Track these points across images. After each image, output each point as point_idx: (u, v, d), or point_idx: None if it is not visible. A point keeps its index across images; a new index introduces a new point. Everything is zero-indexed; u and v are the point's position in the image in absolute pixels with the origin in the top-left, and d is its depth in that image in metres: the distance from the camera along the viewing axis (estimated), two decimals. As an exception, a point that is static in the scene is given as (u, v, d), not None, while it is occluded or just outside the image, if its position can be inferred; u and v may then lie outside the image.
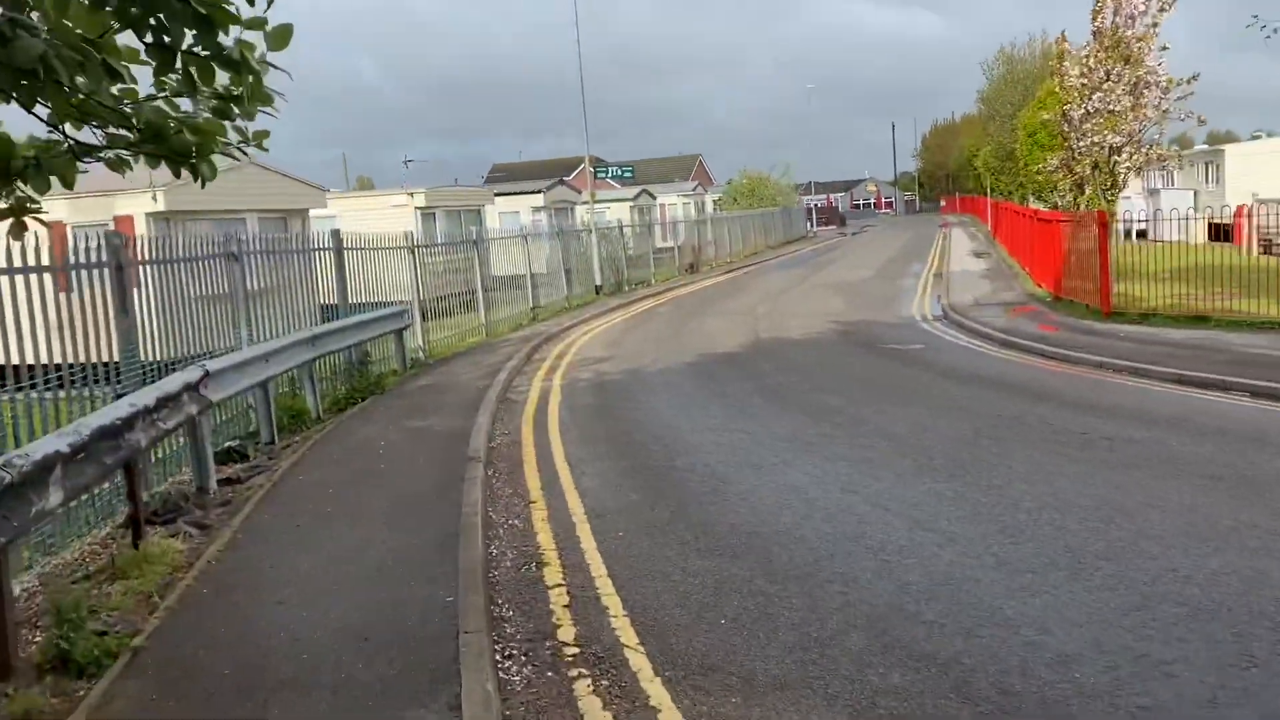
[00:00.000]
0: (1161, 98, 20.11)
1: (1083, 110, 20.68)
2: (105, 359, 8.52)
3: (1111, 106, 20.41)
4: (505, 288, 22.73)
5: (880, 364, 14.82)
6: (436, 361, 17.20)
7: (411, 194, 27.65)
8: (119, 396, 7.30)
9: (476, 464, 9.04)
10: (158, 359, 9.65)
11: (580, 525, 7.44)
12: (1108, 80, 20.48)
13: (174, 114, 3.90)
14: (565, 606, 5.87)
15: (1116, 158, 20.73)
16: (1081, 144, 20.81)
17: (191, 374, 8.40)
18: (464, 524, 7.14)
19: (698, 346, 17.58)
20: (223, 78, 3.75)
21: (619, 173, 70.11)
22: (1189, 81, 19.88)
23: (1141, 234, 27.85)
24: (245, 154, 4.24)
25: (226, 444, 10.58)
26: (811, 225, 70.84)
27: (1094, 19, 20.82)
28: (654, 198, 49.76)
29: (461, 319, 19.96)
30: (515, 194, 36.65)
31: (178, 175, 4.08)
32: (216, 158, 4.10)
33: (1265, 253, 27.42)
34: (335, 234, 14.87)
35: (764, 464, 8.94)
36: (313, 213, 23.25)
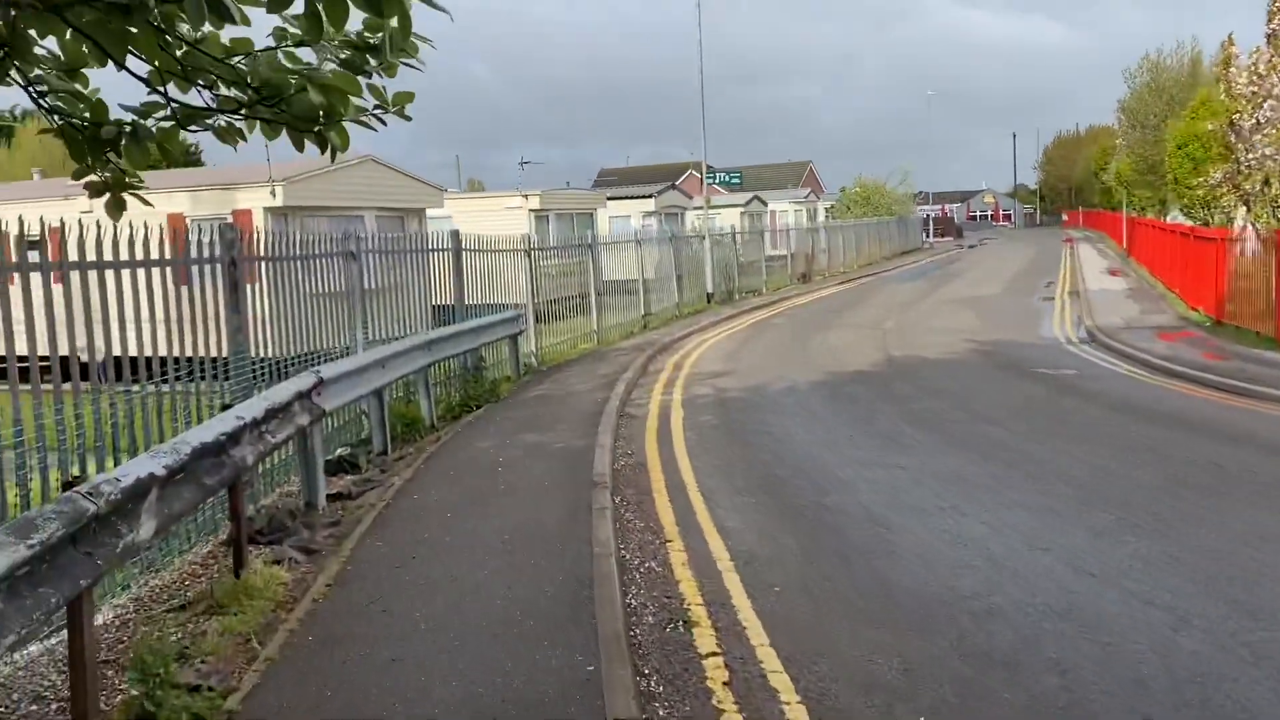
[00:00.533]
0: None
1: (1253, 120, 18.82)
2: (219, 355, 7.97)
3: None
4: (616, 293, 21.95)
5: (1035, 391, 13.47)
6: (549, 368, 16.47)
7: (526, 196, 27.16)
8: (226, 407, 6.64)
9: (603, 491, 8.16)
10: (273, 356, 9.10)
11: (727, 574, 6.47)
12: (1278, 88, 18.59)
13: (295, 68, 3.08)
14: (725, 684, 4.91)
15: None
16: (1251, 157, 18.94)
17: (304, 381, 7.74)
18: (597, 569, 6.25)
19: (824, 363, 16.44)
20: (356, 20, 2.91)
21: (727, 179, 69.03)
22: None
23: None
24: (383, 122, 3.40)
25: (338, 452, 9.99)
26: (928, 236, 68.50)
27: (1270, 20, 18.93)
28: (765, 204, 48.53)
29: (573, 323, 19.24)
30: (626, 198, 35.97)
31: (300, 148, 3.28)
32: (351, 128, 3.27)
33: None
34: (454, 234, 14.26)
35: (929, 508, 7.84)
36: (430, 213, 22.90)
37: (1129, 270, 34.80)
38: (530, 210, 26.87)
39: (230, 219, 17.88)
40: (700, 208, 43.76)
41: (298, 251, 10.10)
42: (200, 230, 8.15)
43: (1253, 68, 18.85)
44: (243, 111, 3.35)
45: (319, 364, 9.93)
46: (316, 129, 3.13)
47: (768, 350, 18.64)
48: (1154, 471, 8.80)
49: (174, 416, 7.03)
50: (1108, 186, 62.94)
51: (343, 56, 3.13)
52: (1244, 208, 19.81)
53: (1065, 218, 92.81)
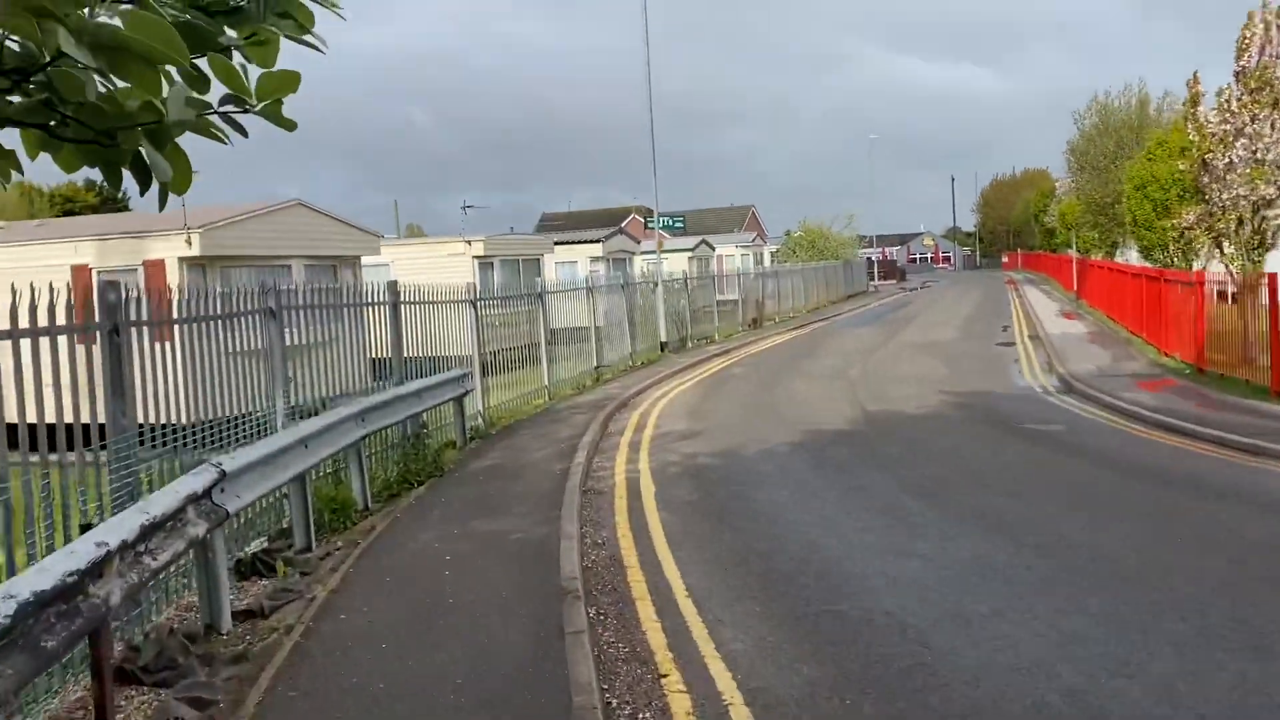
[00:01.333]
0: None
1: (1226, 160, 18.20)
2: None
3: (1260, 155, 17.91)
4: (566, 342, 20.54)
5: (1032, 452, 12.32)
6: (499, 431, 14.95)
7: (469, 242, 25.72)
8: (85, 528, 5.07)
9: (576, 604, 6.68)
10: (180, 422, 7.58)
11: (746, 728, 5.06)
12: (1253, 125, 18.00)
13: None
14: None
15: (1267, 212, 18.17)
16: (1225, 196, 18.29)
17: (199, 479, 6.18)
18: (582, 734, 4.78)
19: (797, 420, 15.18)
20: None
21: (670, 223, 68.16)
22: (1357, 128, 17.37)
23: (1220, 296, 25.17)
24: (241, 131, 2.00)
25: (250, 548, 8.39)
26: (873, 279, 68.34)
27: (1238, 58, 18.41)
28: (712, 248, 47.65)
29: (522, 376, 17.75)
30: (573, 243, 34.70)
31: (114, 181, 1.86)
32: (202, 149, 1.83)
33: None
34: (392, 285, 12.78)
35: (969, 614, 6.50)
36: (365, 260, 21.34)
37: (1083, 313, 34.35)
38: (474, 257, 25.42)
39: (142, 271, 16.18)
40: (649, 252, 42.79)
41: (205, 310, 8.61)
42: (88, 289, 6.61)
43: (1224, 105, 18.27)
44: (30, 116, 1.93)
45: (230, 437, 8.38)
46: (119, 143, 1.73)
47: (733, 405, 17.33)
48: (1209, 557, 7.59)
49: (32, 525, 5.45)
50: (1049, 228, 63.51)
51: (184, 18, 1.75)
52: (1218, 250, 19.14)
53: (1005, 259, 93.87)
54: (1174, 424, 13.57)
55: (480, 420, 15.42)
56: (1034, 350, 24.75)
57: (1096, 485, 10.24)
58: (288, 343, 10.32)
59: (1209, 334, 18.06)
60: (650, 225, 68.15)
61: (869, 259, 70.03)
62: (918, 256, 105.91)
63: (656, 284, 27.34)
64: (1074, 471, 11.04)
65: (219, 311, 8.95)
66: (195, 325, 8.57)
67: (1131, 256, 34.59)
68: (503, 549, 8.24)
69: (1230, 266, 18.78)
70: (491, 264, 26.10)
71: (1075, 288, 39.27)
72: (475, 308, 15.79)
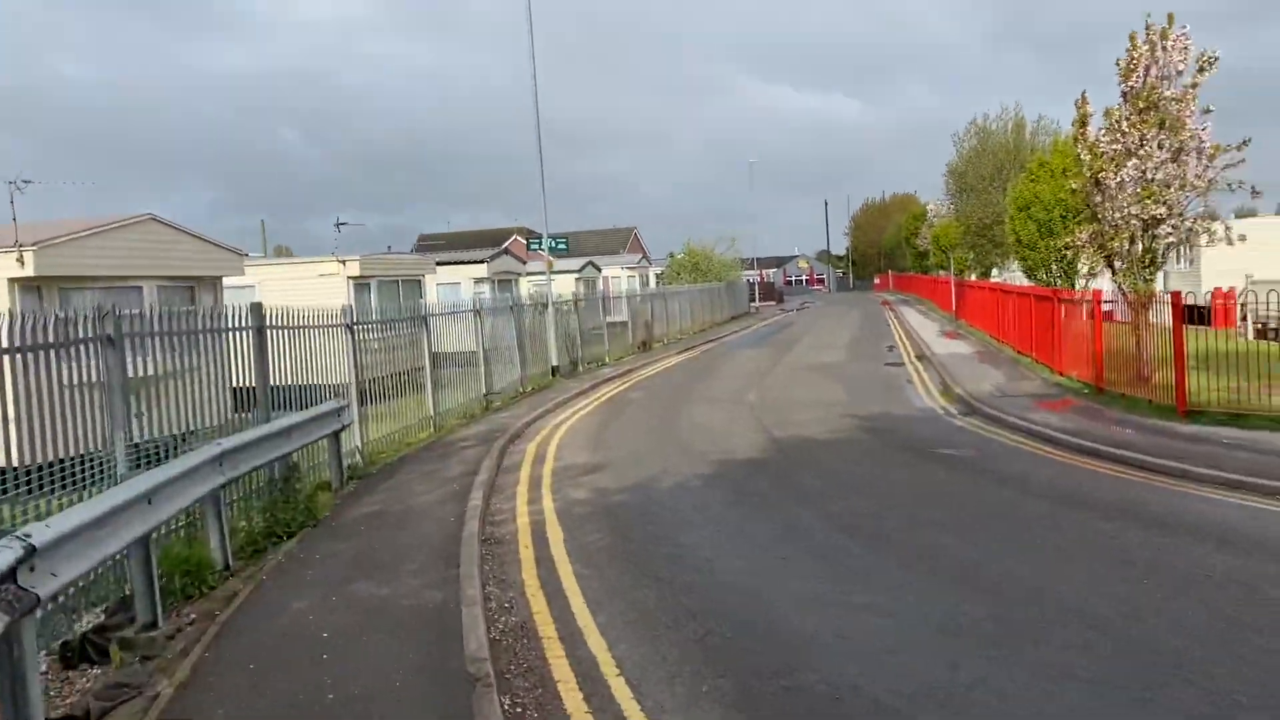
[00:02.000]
0: (1208, 165, 17.74)
1: (1118, 179, 18.21)
2: None
3: (1150, 175, 17.98)
4: (452, 366, 19.13)
5: (954, 480, 11.64)
6: (381, 470, 13.50)
7: (344, 262, 23.99)
8: None
9: (487, 693, 5.46)
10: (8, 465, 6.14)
11: None
12: (1142, 146, 18.08)
13: None
14: None
15: (1157, 231, 18.25)
16: (1117, 215, 18.29)
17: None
18: None
19: (706, 448, 14.23)
20: None
21: (554, 244, 67.30)
22: (1239, 148, 17.56)
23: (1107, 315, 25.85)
24: None
25: (80, 627, 6.85)
26: (754, 301, 68.65)
27: (1125, 79, 18.48)
28: (599, 269, 46.75)
29: (404, 405, 16.28)
30: (456, 263, 33.18)
31: None
32: None
33: (1260, 337, 25.53)
34: (256, 308, 11.26)
35: (950, 687, 5.57)
36: (228, 281, 19.50)
37: (964, 333, 34.74)
38: (349, 278, 23.71)
39: (-38, 293, 14.11)
40: (534, 274, 41.62)
41: (33, 339, 7.15)
42: None
43: (1115, 125, 18.29)
44: None
45: (68, 481, 6.84)
46: None
47: (636, 433, 16.27)
48: (1187, 603, 6.89)
49: None
50: (921, 251, 65.05)
51: None
52: (1109, 269, 19.14)
53: (877, 281, 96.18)
54: (1089, 446, 13.16)
55: (359, 457, 13.94)
56: (925, 370, 24.59)
57: (1032, 518, 9.55)
58: (137, 373, 8.87)
59: (1107, 353, 18.00)
60: (533, 246, 66.90)
61: (749, 281, 70.36)
62: (793, 279, 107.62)
63: (547, 305, 26.13)
64: (1003, 502, 10.36)
65: (49, 340, 7.45)
66: (22, 355, 7.11)
67: (1012, 277, 35.25)
68: (393, 620, 6.92)
69: (1121, 285, 18.80)
70: (368, 285, 24.43)
71: (954, 308, 39.82)
72: (352, 332, 14.31)
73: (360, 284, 24.15)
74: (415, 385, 17.04)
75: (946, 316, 43.07)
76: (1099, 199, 18.77)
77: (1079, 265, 25.93)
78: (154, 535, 7.27)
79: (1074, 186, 19.49)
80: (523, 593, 7.70)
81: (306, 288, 23.48)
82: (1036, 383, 20.39)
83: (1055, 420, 15.47)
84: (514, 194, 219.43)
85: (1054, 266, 26.49)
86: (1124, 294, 18.75)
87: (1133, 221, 18.27)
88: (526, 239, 68.87)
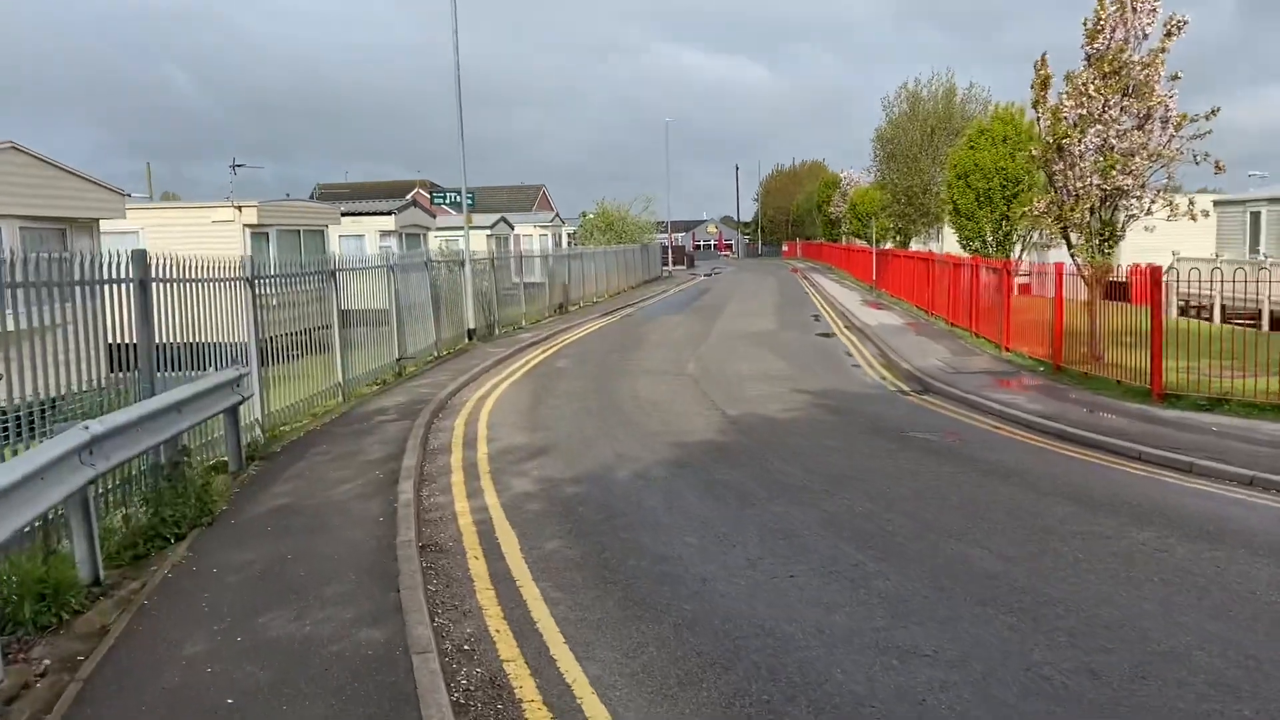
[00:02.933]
0: (1173, 135, 16.92)
1: (1081, 146, 17.28)
2: None
3: (1112, 143, 17.09)
4: (360, 327, 17.12)
5: (945, 472, 10.38)
6: (286, 448, 11.58)
7: (240, 208, 21.53)
8: None
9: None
10: None
11: None
12: (1106, 112, 17.16)
13: None
14: None
15: (1122, 203, 17.40)
16: (1078, 185, 17.37)
17: None
18: None
19: (658, 429, 12.74)
20: None
21: (457, 199, 64.54)
22: (1207, 117, 16.77)
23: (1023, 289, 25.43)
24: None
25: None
26: (666, 265, 67.28)
27: (1090, 41, 17.50)
28: (511, 227, 44.60)
29: (308, 366, 14.28)
30: (361, 214, 30.74)
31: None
32: None
33: (1182, 314, 25.35)
34: (139, 257, 9.23)
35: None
36: (107, 226, 17.06)
37: (888, 303, 34.00)
38: (246, 226, 21.29)
39: None
40: (446, 229, 39.34)
41: None
42: None
43: (1079, 89, 17.30)
44: None
45: None
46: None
47: (575, 409, 14.64)
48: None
49: None
50: (833, 218, 64.66)
51: None
52: (1064, 240, 18.26)
53: (785, 248, 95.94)
54: (1076, 434, 12.14)
55: (259, 430, 12.00)
56: (860, 343, 23.57)
57: (1059, 524, 8.33)
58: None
59: (1067, 330, 17.13)
60: (437, 200, 64.03)
61: (662, 245, 68.92)
62: (701, 243, 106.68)
63: (463, 262, 24.14)
64: (1017, 502, 9.14)
65: None
66: None
67: (937, 247, 34.61)
68: (321, 676, 5.20)
69: (1077, 259, 17.95)
70: (267, 235, 22.02)
71: (873, 278, 39.14)
72: (253, 287, 12.29)
73: (258, 233, 21.75)
74: (321, 346, 15.02)
75: (865, 286, 42.43)
76: (1059, 166, 17.83)
77: (1015, 238, 25.32)
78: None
79: (1033, 152, 18.48)
80: (484, 627, 6.06)
81: (197, 235, 21.05)
82: (984, 359, 19.49)
83: (1023, 402, 14.46)
84: (415, 147, 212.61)
85: (989, 237, 25.75)
86: (1079, 268, 17.92)
87: (1094, 192, 17.40)
88: (430, 193, 66.03)
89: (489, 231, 40.68)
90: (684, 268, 74.12)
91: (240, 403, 10.55)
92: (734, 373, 18.45)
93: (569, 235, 56.20)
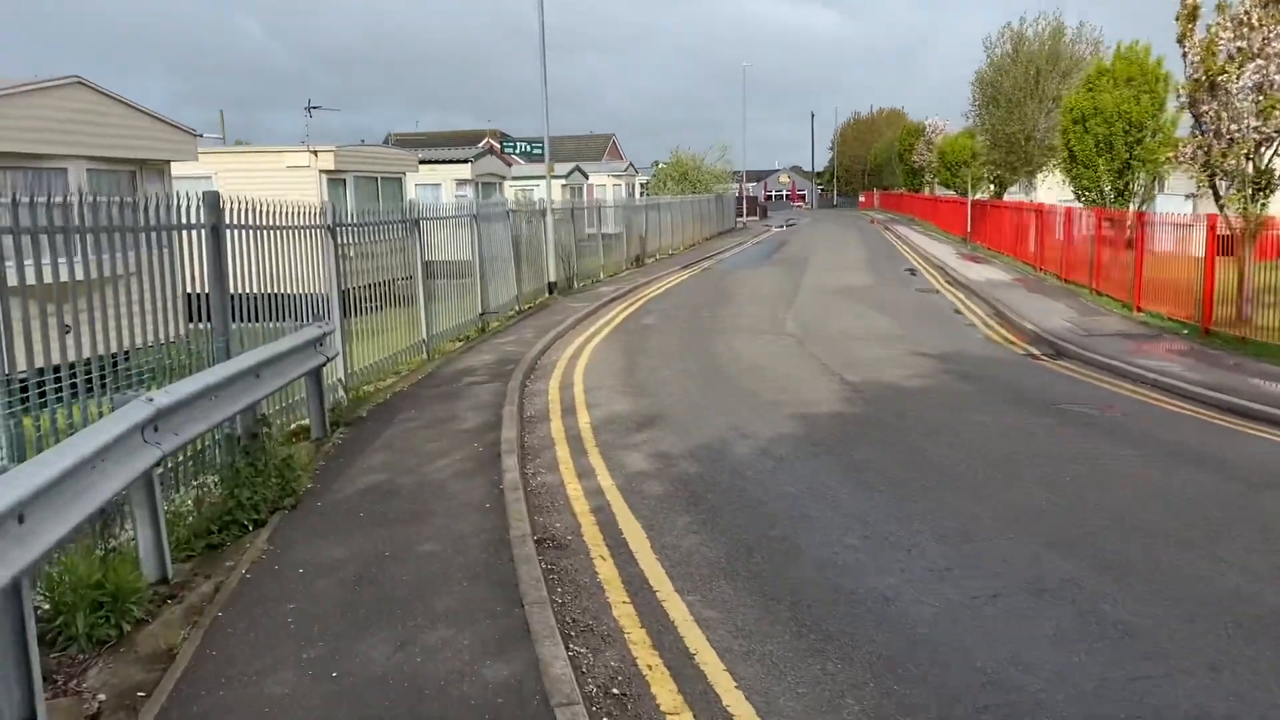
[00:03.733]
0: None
1: (1238, 84, 15.33)
2: None
3: (1276, 79, 15.10)
4: (444, 279, 16.02)
5: (1121, 454, 8.90)
6: (372, 412, 10.54)
7: (316, 153, 20.51)
8: None
9: None
10: None
11: None
12: (1268, 45, 15.14)
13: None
14: None
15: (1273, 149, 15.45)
16: (1233, 128, 15.43)
17: None
18: None
19: (773, 397, 11.43)
20: None
21: (528, 149, 63.21)
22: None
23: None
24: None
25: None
26: (740, 216, 65.36)
27: (1253, -36, 15.45)
28: (586, 176, 43.19)
29: (390, 319, 13.22)
30: (438, 162, 29.62)
31: None
32: None
33: None
34: (212, 200, 8.15)
35: None
36: (179, 169, 16.11)
37: (986, 256, 32.01)
38: (322, 171, 20.27)
39: None
40: (523, 177, 38.14)
41: None
42: None
43: (1243, 17, 15.30)
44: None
45: None
46: None
47: (674, 371, 13.40)
48: None
49: None
50: (915, 168, 61.99)
51: None
52: (1211, 190, 16.36)
53: (862, 199, 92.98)
54: (1258, 410, 10.59)
55: (342, 392, 10.99)
56: (969, 299, 21.90)
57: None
58: (58, 278, 5.97)
59: (1219, 291, 15.34)
60: (508, 149, 62.77)
61: (736, 196, 66.92)
62: (773, 194, 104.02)
63: (545, 213, 22.92)
64: (1224, 494, 7.66)
65: None
66: None
67: (1036, 196, 32.41)
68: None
69: (1227, 210, 16.06)
70: (343, 181, 21.00)
71: (969, 230, 37.02)
72: (335, 236, 11.21)
73: (335, 179, 20.73)
74: (403, 299, 13.94)
75: (957, 239, 40.26)
76: (1209, 106, 15.89)
77: (1136, 187, 23.23)
78: (35, 570, 4.34)
79: (1180, 91, 16.50)
80: (631, 659, 4.86)
81: (272, 180, 20.09)
82: (1114, 319, 17.73)
83: (1180, 370, 12.82)
84: (484, 97, 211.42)
85: (1107, 187, 23.66)
86: (1228, 221, 16.05)
87: (1250, 135, 15.46)
88: (500, 142, 64.78)
89: (564, 181, 39.36)
90: (757, 219, 72.07)
91: (324, 364, 9.49)
92: (839, 331, 17.02)
93: (641, 185, 54.62)
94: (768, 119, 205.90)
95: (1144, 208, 23.55)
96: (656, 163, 59.21)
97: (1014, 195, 37.36)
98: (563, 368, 13.71)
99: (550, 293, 22.80)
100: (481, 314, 17.44)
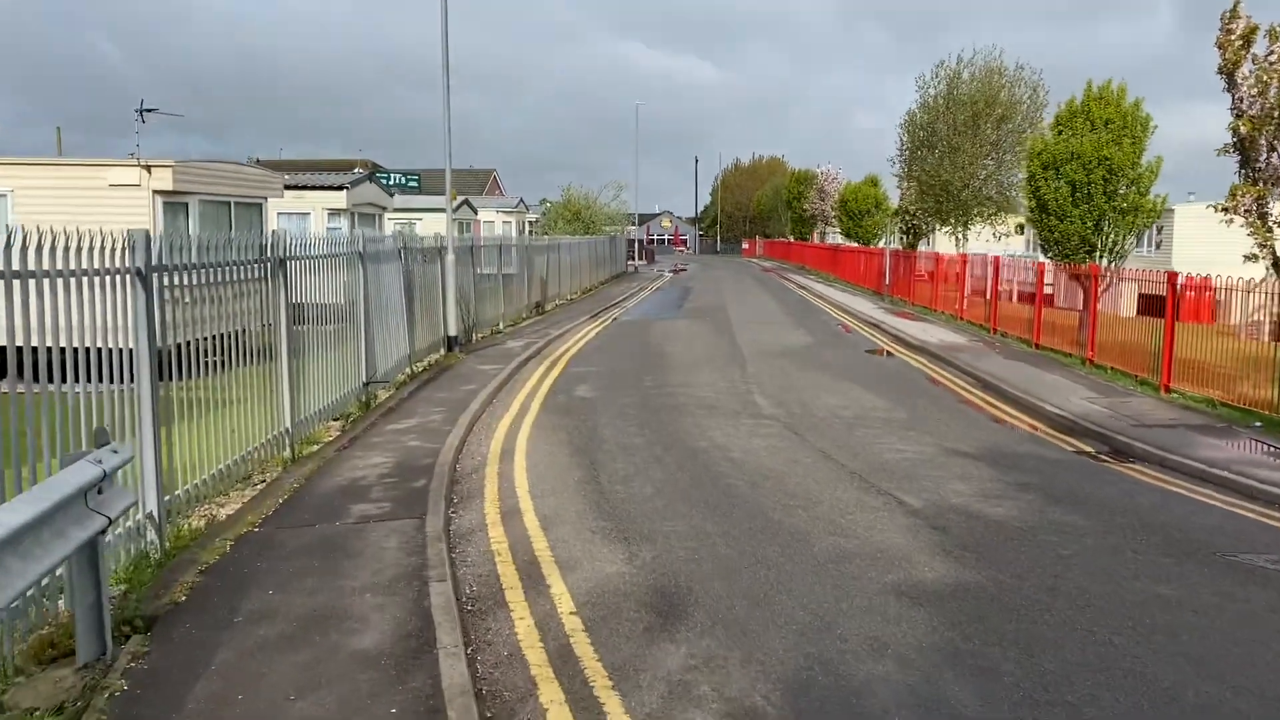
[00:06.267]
0: None
1: (1309, 124, 12.66)
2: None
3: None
4: (314, 342, 11.59)
5: None
6: (194, 595, 6.11)
7: (149, 168, 15.70)
8: None
9: None
10: None
11: None
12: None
13: None
14: None
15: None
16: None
17: None
18: None
19: (827, 540, 7.60)
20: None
21: (402, 181, 58.40)
22: None
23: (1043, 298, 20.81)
24: None
25: None
26: (632, 259, 61.97)
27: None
28: (475, 211, 38.91)
29: (234, 382, 8.82)
30: (308, 188, 24.96)
31: None
32: None
33: (1276, 339, 21.06)
34: None
35: None
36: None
37: (915, 313, 29.24)
38: (156, 192, 15.50)
39: None
40: (405, 210, 33.72)
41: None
42: None
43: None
44: None
45: None
46: None
47: (652, 483, 9.39)
48: None
49: None
50: (805, 215, 60.09)
51: None
52: (1263, 248, 13.62)
53: (745, 246, 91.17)
54: None
55: (152, 533, 6.62)
56: (936, 365, 18.76)
57: None
58: None
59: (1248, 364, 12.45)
60: (380, 180, 57.88)
61: (628, 238, 63.60)
62: (656, 238, 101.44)
63: (445, 249, 18.65)
64: None
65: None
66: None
67: (966, 246, 29.91)
68: None
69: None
70: (185, 205, 16.25)
71: (887, 282, 34.43)
72: (146, 282, 6.85)
73: (174, 202, 15.97)
74: (258, 353, 9.50)
75: (869, 291, 37.70)
76: (1270, 138, 13.17)
77: (1117, 241, 20.65)
78: None
79: (1241, 130, 13.71)
80: None
81: (91, 203, 15.36)
82: (1147, 401, 14.63)
83: (1320, 488, 9.66)
84: (352, 129, 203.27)
85: (1072, 239, 21.00)
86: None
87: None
88: (373, 173, 59.69)
89: (454, 215, 34.94)
90: (645, 263, 68.93)
91: (103, 530, 5.10)
92: (826, 411, 13.41)
93: (530, 224, 50.63)
94: (645, 164, 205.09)
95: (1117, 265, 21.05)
96: (544, 200, 55.31)
97: (932, 247, 35.05)
98: (495, 480, 9.49)
99: (450, 349, 18.48)
100: (366, 383, 13.04)
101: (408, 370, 15.69)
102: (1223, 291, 14.78)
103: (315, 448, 10.41)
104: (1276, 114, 12.98)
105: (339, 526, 7.47)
